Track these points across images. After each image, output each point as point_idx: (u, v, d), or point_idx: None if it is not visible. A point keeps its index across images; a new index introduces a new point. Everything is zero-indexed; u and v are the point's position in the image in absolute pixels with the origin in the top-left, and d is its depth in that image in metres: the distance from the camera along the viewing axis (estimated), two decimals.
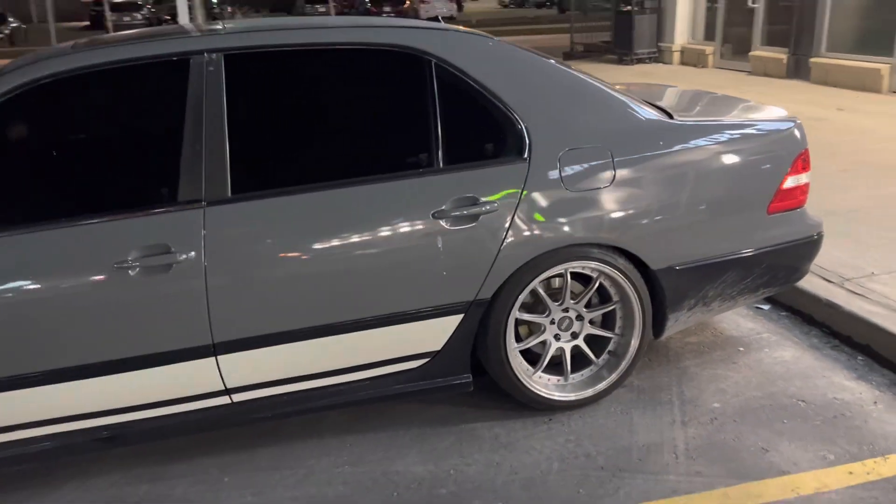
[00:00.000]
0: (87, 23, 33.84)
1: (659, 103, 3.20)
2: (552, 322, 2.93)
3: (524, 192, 2.70)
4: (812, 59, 10.74)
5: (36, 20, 34.29)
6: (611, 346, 3.02)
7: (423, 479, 2.62)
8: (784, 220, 3.06)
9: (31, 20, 33.47)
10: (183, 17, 11.00)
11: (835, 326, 3.53)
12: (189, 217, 2.46)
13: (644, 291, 2.92)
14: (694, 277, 2.96)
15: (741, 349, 3.43)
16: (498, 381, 2.93)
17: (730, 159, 2.97)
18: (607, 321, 3.03)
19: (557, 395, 2.95)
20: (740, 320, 3.71)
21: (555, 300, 2.91)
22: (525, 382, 2.89)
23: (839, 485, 2.50)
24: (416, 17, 25.90)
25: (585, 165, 2.77)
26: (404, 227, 2.62)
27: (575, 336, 2.97)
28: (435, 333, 2.75)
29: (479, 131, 2.79)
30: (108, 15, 25.26)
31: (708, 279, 2.99)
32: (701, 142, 2.94)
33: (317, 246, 2.56)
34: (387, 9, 30.33)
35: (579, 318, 2.96)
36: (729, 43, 13.13)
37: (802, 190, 3.09)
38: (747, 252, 3.00)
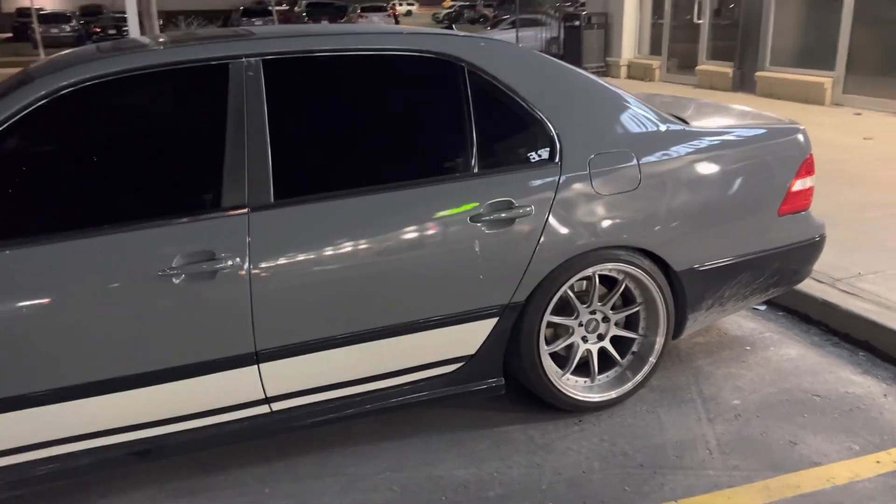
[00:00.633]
0: (10, 34, 32.45)
1: (672, 112, 3.29)
2: (580, 324, 2.98)
3: (557, 196, 2.75)
4: (757, 73, 11.16)
5: None
6: (634, 347, 3.09)
7: (468, 483, 2.62)
8: (793, 222, 3.18)
9: None
10: (133, 30, 10.70)
11: (832, 324, 3.67)
12: (234, 223, 2.42)
13: (668, 292, 2.99)
14: (713, 278, 3.05)
15: (748, 348, 3.54)
16: (528, 384, 2.95)
17: (745, 163, 3.07)
18: (630, 322, 3.09)
19: (586, 396, 2.99)
20: (741, 321, 3.82)
21: (581, 303, 2.96)
22: (556, 384, 2.92)
23: (870, 473, 2.60)
24: None
25: (613, 170, 2.84)
26: (444, 231, 2.63)
27: (601, 338, 3.03)
28: (471, 337, 2.76)
29: (512, 136, 2.83)
30: (37, 27, 24.33)
31: (725, 279, 3.09)
32: (718, 147, 3.04)
33: (358, 250, 2.55)
34: (324, 23, 30.20)
35: (605, 319, 3.01)
36: (675, 57, 13.56)
37: (808, 193, 3.22)
38: (761, 253, 3.12)
